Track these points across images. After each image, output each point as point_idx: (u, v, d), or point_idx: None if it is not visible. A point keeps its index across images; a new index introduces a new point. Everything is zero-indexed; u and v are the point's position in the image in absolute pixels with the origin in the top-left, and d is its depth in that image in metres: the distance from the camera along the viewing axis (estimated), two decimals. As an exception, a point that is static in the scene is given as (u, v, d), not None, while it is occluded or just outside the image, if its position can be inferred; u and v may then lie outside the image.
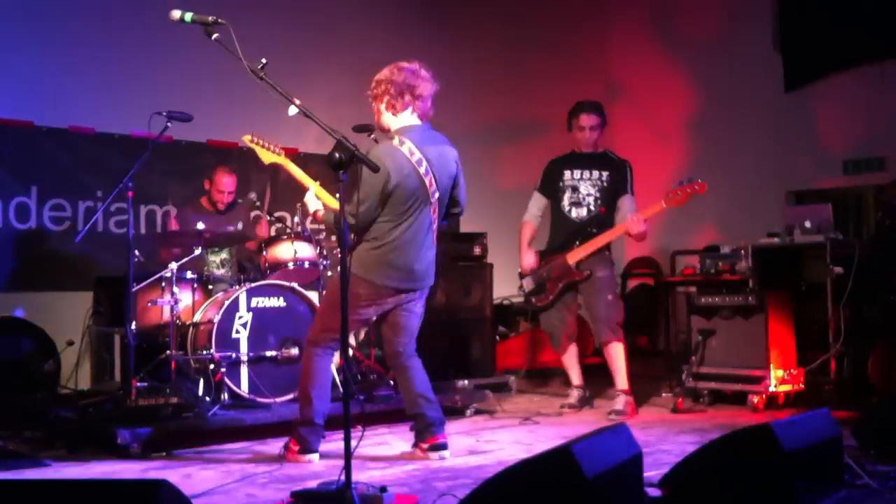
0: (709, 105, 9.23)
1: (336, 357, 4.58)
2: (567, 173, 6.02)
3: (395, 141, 4.35)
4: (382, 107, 4.44)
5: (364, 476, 4.08)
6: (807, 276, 6.34)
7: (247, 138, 4.71)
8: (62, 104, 6.84)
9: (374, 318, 4.58)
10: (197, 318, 5.59)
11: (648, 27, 9.81)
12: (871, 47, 7.99)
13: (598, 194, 5.94)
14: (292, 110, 3.48)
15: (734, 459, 3.32)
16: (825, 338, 5.88)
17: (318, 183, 4.67)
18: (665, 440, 4.90)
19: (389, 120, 4.45)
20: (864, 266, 5.92)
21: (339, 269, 4.46)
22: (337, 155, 3.37)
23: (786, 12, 8.57)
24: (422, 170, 4.34)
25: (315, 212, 4.53)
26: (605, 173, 5.96)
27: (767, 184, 8.65)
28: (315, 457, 4.44)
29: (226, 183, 6.42)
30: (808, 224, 6.17)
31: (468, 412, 5.86)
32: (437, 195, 4.43)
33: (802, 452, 3.32)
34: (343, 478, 3.26)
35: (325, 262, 5.88)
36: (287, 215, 7.54)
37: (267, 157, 4.76)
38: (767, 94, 8.69)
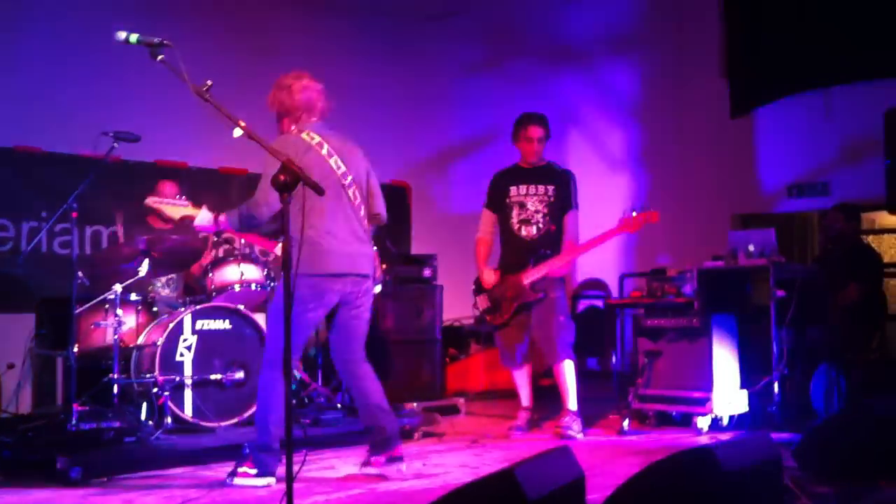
0: (657, 130, 9.36)
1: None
2: (513, 189, 6.04)
3: (293, 131, 4.49)
4: (278, 113, 4.60)
5: (308, 501, 4.04)
6: (751, 299, 6.43)
7: (150, 201, 4.72)
8: (8, 123, 6.75)
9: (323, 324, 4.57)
10: (141, 340, 5.52)
11: (599, 54, 9.93)
12: (815, 75, 8.16)
13: (545, 210, 5.96)
14: (237, 132, 3.46)
15: (676, 481, 3.34)
16: (769, 360, 5.95)
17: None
18: (611, 462, 4.92)
19: (288, 126, 4.59)
20: (806, 289, 6.03)
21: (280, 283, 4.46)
22: (282, 177, 3.36)
23: (732, 41, 8.73)
24: (324, 151, 4.42)
25: (216, 218, 4.47)
26: (550, 187, 6.00)
27: (714, 207, 8.78)
28: (272, 480, 4.37)
29: (168, 189, 6.37)
30: (752, 248, 6.26)
31: (416, 435, 5.84)
32: (350, 178, 4.47)
33: (742, 474, 3.36)
34: (285, 503, 3.23)
35: (272, 285, 5.84)
36: (234, 237, 7.47)
37: (175, 212, 4.66)
38: (714, 119, 8.84)
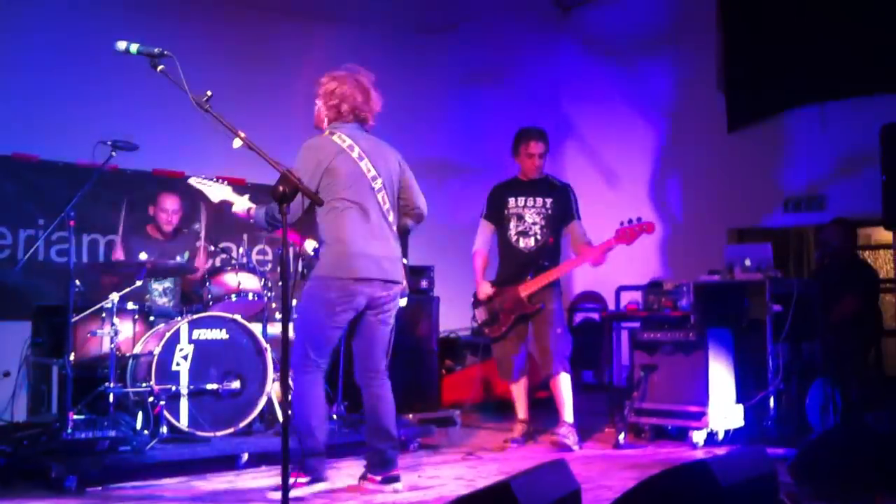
0: (654, 143, 9.38)
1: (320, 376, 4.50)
2: (511, 200, 6.06)
3: (326, 133, 4.47)
4: (324, 106, 4.54)
5: (304, 512, 4.04)
6: (747, 313, 6.44)
7: (193, 181, 4.76)
8: (6, 131, 6.76)
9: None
10: (137, 349, 5.51)
11: (596, 67, 9.97)
12: (811, 90, 8.19)
13: (543, 222, 5.98)
14: (237, 143, 3.48)
15: (672, 495, 3.34)
16: (765, 374, 5.96)
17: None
18: (606, 475, 4.92)
19: (328, 122, 4.56)
20: (802, 304, 6.05)
21: (305, 284, 4.48)
22: (281, 188, 3.37)
23: (729, 55, 8.77)
24: (354, 154, 4.40)
25: (248, 210, 4.56)
26: (548, 200, 6.02)
27: (710, 222, 8.79)
28: (327, 485, 4.44)
29: (170, 202, 6.38)
30: (748, 262, 6.27)
31: (412, 447, 5.84)
32: (379, 181, 4.46)
33: (739, 488, 3.36)
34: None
35: (269, 294, 5.84)
36: (232, 246, 7.49)
37: (216, 194, 4.73)
38: (711, 133, 8.87)
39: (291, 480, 4.11)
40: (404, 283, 4.60)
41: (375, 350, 4.54)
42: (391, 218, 4.51)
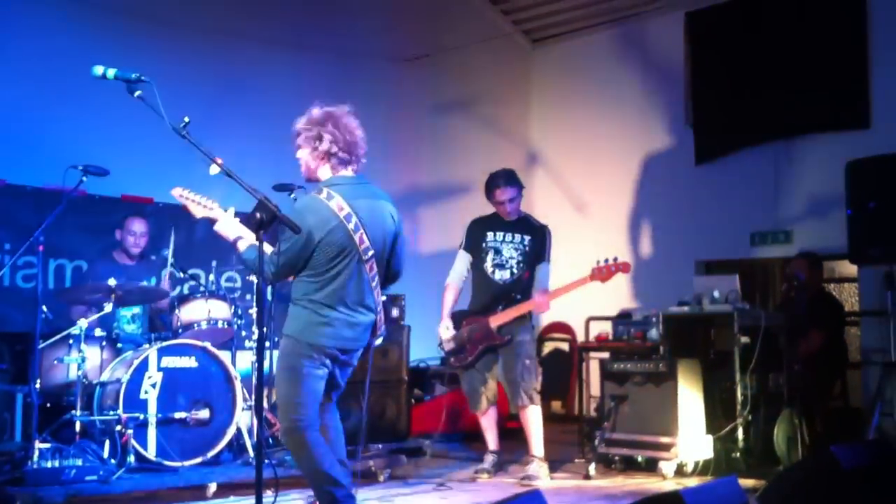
0: (624, 176, 9.47)
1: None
2: (490, 234, 6.09)
3: (323, 194, 4.10)
4: (312, 155, 4.22)
5: (274, 543, 3.99)
6: (715, 344, 6.49)
7: (176, 192, 4.28)
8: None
9: None
10: (105, 377, 5.44)
11: (566, 100, 10.07)
12: (776, 126, 8.33)
13: (520, 257, 6.02)
14: (214, 169, 3.47)
15: (645, 527, 3.34)
16: (733, 405, 6.00)
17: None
18: (577, 507, 4.92)
19: (321, 172, 4.24)
20: (770, 336, 6.11)
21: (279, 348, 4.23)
22: (258, 215, 3.36)
23: (697, 90, 8.90)
24: (350, 225, 4.07)
25: (237, 240, 4.08)
26: (526, 237, 6.06)
27: (678, 253, 8.88)
28: None
29: (137, 225, 6.34)
30: (716, 293, 6.33)
31: (382, 477, 5.79)
32: (371, 252, 4.16)
33: (711, 520, 3.37)
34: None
35: (239, 322, 5.81)
36: (201, 273, 7.43)
37: (197, 210, 4.34)
38: (679, 167, 8.97)
39: None
40: (381, 328, 4.38)
41: (334, 391, 4.35)
42: (374, 283, 4.25)
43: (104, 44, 7.08)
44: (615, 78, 9.61)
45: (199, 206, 4.17)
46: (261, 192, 3.50)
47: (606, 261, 5.88)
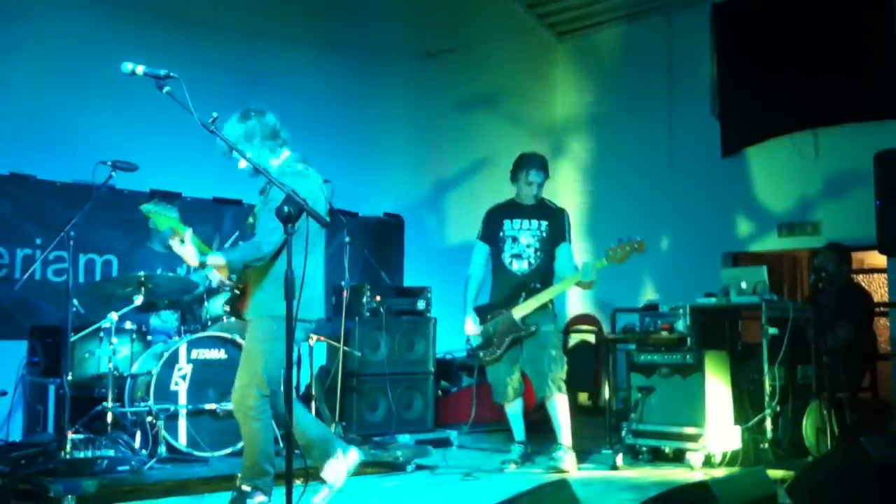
0: (649, 167, 9.44)
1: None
2: (507, 223, 6.09)
3: (301, 167, 4.31)
4: (258, 153, 4.19)
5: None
6: (743, 336, 6.46)
7: (144, 208, 4.36)
8: (3, 151, 6.76)
9: None
10: (136, 369, 5.51)
11: (590, 90, 10.05)
12: (804, 116, 8.26)
13: (537, 245, 6.01)
14: (242, 164, 3.50)
15: (673, 516, 3.35)
16: (761, 397, 5.98)
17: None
18: (604, 497, 4.93)
19: (273, 162, 4.29)
20: (798, 327, 6.07)
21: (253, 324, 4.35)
22: (286, 208, 3.39)
23: (723, 82, 8.84)
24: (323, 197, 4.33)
25: (204, 258, 4.17)
26: (543, 223, 6.05)
27: (705, 245, 8.84)
28: None
29: None
30: (743, 285, 6.30)
31: (409, 468, 5.82)
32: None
33: (739, 510, 3.37)
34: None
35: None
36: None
37: (163, 222, 4.35)
38: (705, 159, 8.93)
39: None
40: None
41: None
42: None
43: (131, 40, 7.14)
44: (640, 71, 9.57)
45: (162, 217, 4.28)
46: (288, 185, 3.53)
47: (620, 240, 5.82)
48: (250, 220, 4.44)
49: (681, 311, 6.41)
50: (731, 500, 3.34)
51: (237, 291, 4.40)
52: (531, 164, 6.08)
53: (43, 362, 6.14)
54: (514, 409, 6.12)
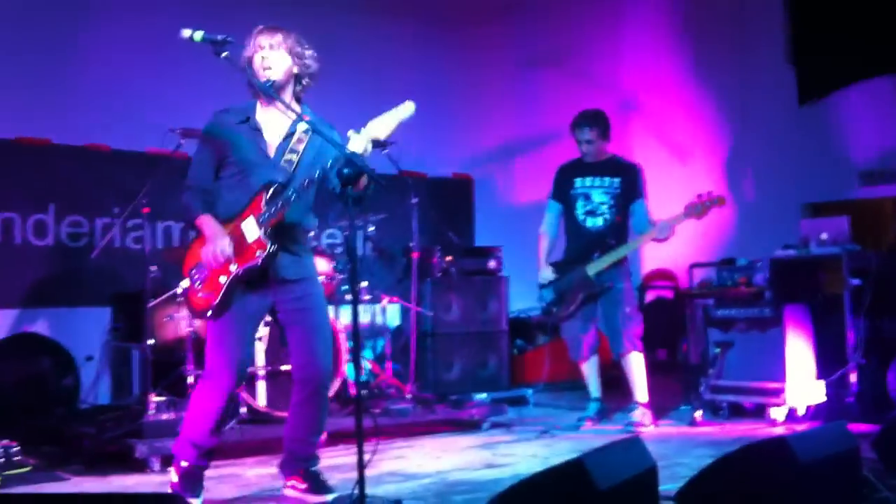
0: (723, 119, 9.20)
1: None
2: (578, 180, 6.01)
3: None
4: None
5: (380, 490, 4.09)
6: (824, 288, 6.29)
7: None
8: (80, 123, 6.91)
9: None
10: (213, 332, 5.60)
11: (660, 44, 9.81)
12: (886, 59, 7.94)
13: (611, 202, 5.93)
14: (301, 126, 3.50)
15: (750, 472, 3.29)
16: (844, 350, 5.83)
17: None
18: (682, 453, 4.87)
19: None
20: (882, 279, 5.88)
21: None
22: (345, 171, 3.39)
23: (797, 25, 8.53)
24: None
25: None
26: (616, 179, 5.96)
27: (784, 197, 8.59)
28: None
29: None
30: (824, 236, 6.14)
31: (485, 426, 5.85)
32: None
33: (819, 464, 3.30)
34: (357, 491, 3.26)
35: (339, 277, 5.90)
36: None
37: None
38: (781, 107, 8.66)
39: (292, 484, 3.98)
40: None
41: None
42: None
43: (199, 5, 7.19)
44: (710, 16, 9.29)
45: None
46: (348, 149, 3.52)
47: (700, 196, 5.69)
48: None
49: (759, 264, 6.27)
50: (811, 455, 3.27)
51: None
52: (578, 122, 6.00)
53: (125, 328, 6.31)
54: (589, 366, 6.08)
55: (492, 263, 7.07)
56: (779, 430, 5.49)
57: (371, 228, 6.31)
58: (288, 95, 3.87)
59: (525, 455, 4.96)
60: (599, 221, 5.94)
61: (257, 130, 3.88)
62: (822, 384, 5.81)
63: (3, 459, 4.61)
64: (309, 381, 3.93)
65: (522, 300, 7.56)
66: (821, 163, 8.41)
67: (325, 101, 7.39)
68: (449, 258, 6.89)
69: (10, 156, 6.64)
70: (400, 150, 5.85)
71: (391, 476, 4.44)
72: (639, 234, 5.88)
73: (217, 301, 3.77)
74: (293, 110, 3.70)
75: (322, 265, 5.91)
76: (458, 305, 6.87)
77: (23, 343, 6.29)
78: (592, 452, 2.97)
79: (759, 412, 5.90)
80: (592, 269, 5.83)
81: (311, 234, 4.43)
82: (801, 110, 8.53)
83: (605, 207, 5.93)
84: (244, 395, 5.20)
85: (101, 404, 6.23)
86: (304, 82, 3.94)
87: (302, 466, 3.99)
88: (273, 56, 3.83)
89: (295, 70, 3.90)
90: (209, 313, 3.81)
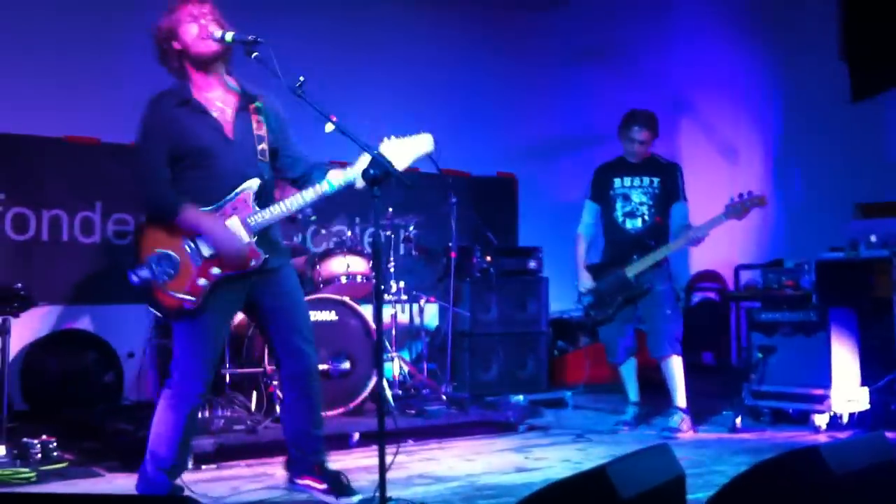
0: (773, 117, 9.03)
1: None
2: (617, 181, 5.93)
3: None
4: None
5: (408, 492, 4.07)
6: (872, 291, 6.13)
7: None
8: (123, 122, 6.98)
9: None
10: (251, 330, 5.64)
11: (710, 40, 9.65)
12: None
13: (651, 202, 5.84)
14: (329, 127, 3.50)
15: (780, 484, 3.21)
16: (891, 356, 5.68)
17: None
18: (719, 460, 4.79)
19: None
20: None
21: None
22: (372, 171, 3.38)
23: (850, 20, 8.32)
24: None
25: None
26: (655, 179, 5.87)
27: (834, 196, 8.40)
28: None
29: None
30: (873, 238, 5.99)
31: (521, 428, 5.80)
32: None
33: (854, 476, 3.20)
34: (377, 494, 3.25)
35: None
36: (345, 228, 7.58)
37: None
38: (833, 104, 8.46)
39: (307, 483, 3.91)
40: None
41: None
42: None
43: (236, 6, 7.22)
44: (762, 12, 9.12)
45: None
46: (375, 148, 3.51)
47: (741, 196, 5.56)
48: None
49: (806, 266, 6.14)
50: (846, 466, 3.17)
51: None
52: (635, 120, 5.89)
53: (168, 325, 6.37)
54: (627, 369, 6.00)
55: (532, 263, 7.02)
56: (822, 438, 5.37)
57: (411, 228, 6.30)
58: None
59: (558, 459, 4.91)
60: (639, 222, 5.86)
61: (203, 112, 3.73)
62: (866, 391, 5.67)
63: (39, 455, 4.68)
64: (299, 376, 3.81)
65: (564, 301, 7.50)
66: (872, 162, 8.21)
67: (368, 98, 7.47)
68: (488, 258, 6.86)
69: (58, 154, 6.75)
70: (441, 149, 5.82)
71: (420, 478, 4.42)
72: (677, 235, 5.78)
73: (198, 305, 3.60)
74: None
75: (359, 265, 5.93)
76: (497, 306, 6.84)
77: (67, 339, 6.42)
78: (617, 460, 2.91)
79: (803, 419, 5.77)
80: (632, 270, 5.75)
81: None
82: (853, 108, 8.33)
83: (644, 208, 5.85)
84: (279, 393, 5.22)
85: (142, 401, 6.31)
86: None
87: (313, 462, 3.88)
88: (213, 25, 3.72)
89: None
90: (185, 316, 3.62)
